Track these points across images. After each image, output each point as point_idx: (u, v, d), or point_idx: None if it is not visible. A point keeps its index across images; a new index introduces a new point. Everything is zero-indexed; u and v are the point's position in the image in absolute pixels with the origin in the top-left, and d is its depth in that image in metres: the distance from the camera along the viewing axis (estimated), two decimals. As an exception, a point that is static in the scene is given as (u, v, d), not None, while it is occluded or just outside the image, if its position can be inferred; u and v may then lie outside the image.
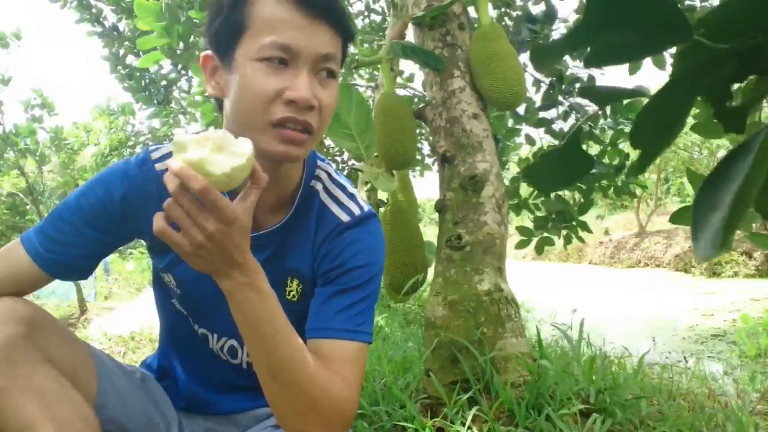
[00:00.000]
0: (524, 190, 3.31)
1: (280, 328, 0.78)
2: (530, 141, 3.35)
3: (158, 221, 0.69)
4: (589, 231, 2.97)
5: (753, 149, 0.34)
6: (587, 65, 0.41)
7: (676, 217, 1.08)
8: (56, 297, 8.48)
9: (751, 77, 0.41)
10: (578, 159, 0.52)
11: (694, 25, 0.37)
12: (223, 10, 0.82)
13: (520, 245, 3.06)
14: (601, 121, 2.92)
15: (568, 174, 0.53)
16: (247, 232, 0.72)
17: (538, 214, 3.05)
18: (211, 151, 0.67)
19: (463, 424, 1.27)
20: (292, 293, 0.96)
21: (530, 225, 3.08)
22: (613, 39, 0.37)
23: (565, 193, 3.06)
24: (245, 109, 0.81)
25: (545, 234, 2.99)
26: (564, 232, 2.96)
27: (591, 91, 0.53)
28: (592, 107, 3.06)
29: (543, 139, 3.26)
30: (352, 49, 0.94)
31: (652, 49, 0.39)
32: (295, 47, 0.79)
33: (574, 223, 2.91)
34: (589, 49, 0.38)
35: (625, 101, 2.91)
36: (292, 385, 0.79)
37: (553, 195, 2.90)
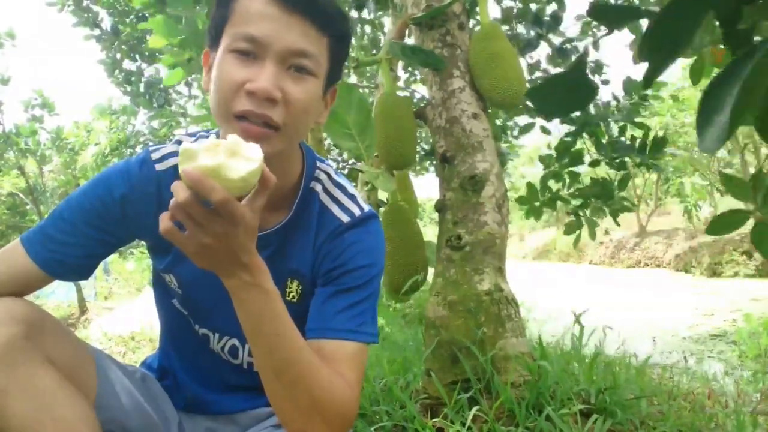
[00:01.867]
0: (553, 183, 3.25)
1: (284, 327, 0.78)
2: (546, 131, 3.28)
3: (164, 222, 0.69)
4: (634, 205, 2.94)
5: (754, 57, 0.36)
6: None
7: (713, 228, 1.07)
8: (56, 297, 8.48)
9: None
10: (582, 85, 0.53)
11: None
12: (215, 6, 0.84)
13: (569, 230, 2.97)
14: (614, 104, 2.89)
15: (573, 99, 0.54)
16: (254, 233, 0.72)
17: (574, 203, 3.00)
18: (226, 157, 0.67)
19: (464, 424, 1.27)
20: (291, 294, 0.96)
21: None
22: None
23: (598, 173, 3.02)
24: (214, 100, 0.82)
25: (585, 216, 2.93)
26: (607, 209, 2.89)
27: (603, 10, 0.53)
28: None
29: (560, 130, 3.20)
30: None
31: None
32: (263, 39, 0.78)
33: (614, 200, 2.87)
34: None
35: (639, 79, 2.87)
36: (294, 385, 0.79)
37: (589, 180, 2.87)
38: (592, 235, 2.93)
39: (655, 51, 0.41)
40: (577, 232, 2.95)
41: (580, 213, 2.92)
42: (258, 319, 0.76)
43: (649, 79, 0.45)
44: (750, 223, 1.09)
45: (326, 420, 0.81)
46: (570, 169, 2.87)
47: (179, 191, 0.67)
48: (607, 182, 2.83)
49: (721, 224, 1.08)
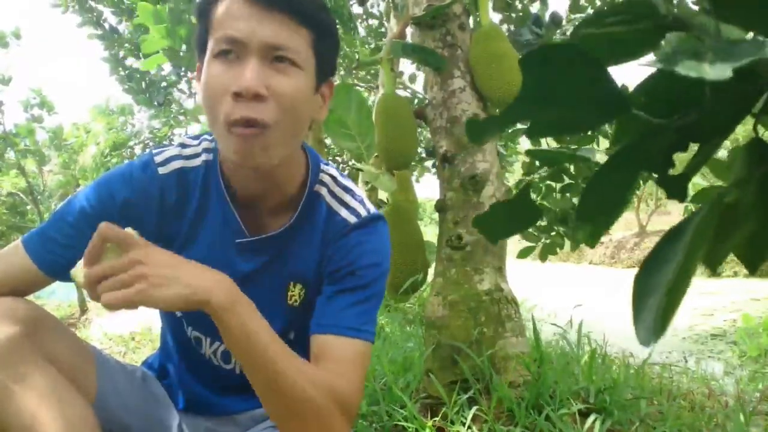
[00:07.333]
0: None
1: (264, 342, 0.78)
2: (535, 142, 3.31)
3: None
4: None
5: (687, 234, 0.33)
6: (528, 136, 0.42)
7: (692, 198, 1.11)
8: (56, 297, 8.47)
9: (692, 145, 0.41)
10: (526, 210, 0.54)
11: (632, 98, 0.38)
12: (198, 19, 0.84)
13: (523, 254, 2.94)
14: None
15: (516, 224, 0.55)
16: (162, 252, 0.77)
17: (541, 223, 2.98)
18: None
19: (463, 424, 1.28)
20: (293, 297, 0.96)
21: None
22: (550, 115, 0.38)
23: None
24: (206, 109, 0.81)
25: (548, 240, 2.93)
26: (570, 233, 2.89)
27: (537, 153, 0.54)
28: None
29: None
30: (349, 48, 0.93)
31: (590, 124, 0.40)
32: (241, 38, 0.78)
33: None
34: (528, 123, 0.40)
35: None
36: (284, 395, 0.78)
37: (558, 195, 2.87)
38: (543, 258, 2.94)
39: (593, 218, 0.41)
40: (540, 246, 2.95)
41: (541, 233, 2.92)
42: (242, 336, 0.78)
43: (593, 242, 0.45)
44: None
45: (325, 424, 0.81)
46: (548, 182, 2.85)
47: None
48: (574, 205, 2.81)
49: (696, 198, 1.11)
